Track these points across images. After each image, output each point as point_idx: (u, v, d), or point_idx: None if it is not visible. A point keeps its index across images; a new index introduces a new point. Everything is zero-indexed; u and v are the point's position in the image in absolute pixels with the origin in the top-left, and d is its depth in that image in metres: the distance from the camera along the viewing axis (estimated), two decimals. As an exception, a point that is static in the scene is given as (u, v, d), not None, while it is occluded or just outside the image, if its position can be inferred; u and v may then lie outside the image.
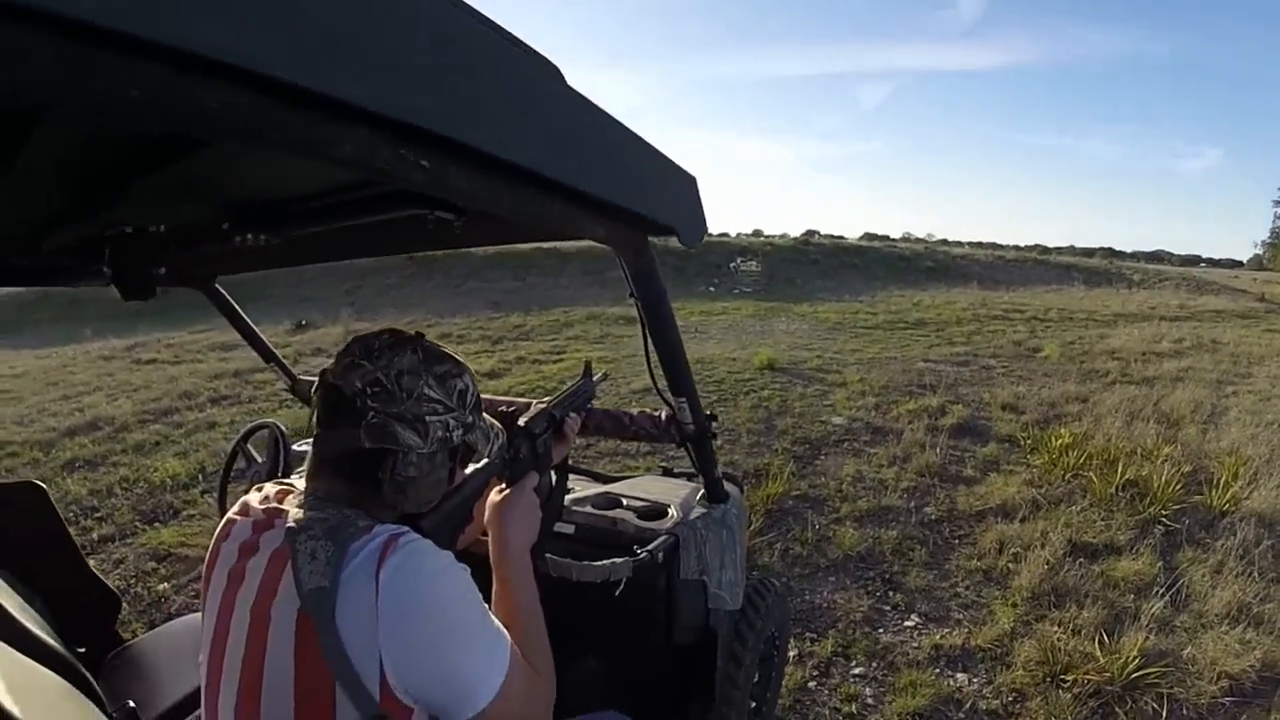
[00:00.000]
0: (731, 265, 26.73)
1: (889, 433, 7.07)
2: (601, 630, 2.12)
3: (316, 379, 1.32)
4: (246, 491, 1.42)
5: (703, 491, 2.44)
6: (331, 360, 1.33)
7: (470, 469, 1.49)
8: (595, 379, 2.02)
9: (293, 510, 1.21)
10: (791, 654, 3.63)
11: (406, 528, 1.18)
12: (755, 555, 4.61)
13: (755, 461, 6.16)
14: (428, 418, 1.27)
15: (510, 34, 0.86)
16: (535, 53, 0.93)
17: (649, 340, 1.85)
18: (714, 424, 2.24)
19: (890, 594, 4.30)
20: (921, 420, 7.34)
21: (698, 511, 2.34)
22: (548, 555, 1.88)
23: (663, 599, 2.14)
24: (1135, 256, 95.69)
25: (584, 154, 1.09)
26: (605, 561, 1.99)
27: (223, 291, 2.68)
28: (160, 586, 4.44)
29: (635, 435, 2.40)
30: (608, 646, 2.19)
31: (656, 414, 2.34)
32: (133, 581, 4.49)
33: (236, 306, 2.78)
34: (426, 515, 1.34)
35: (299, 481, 1.33)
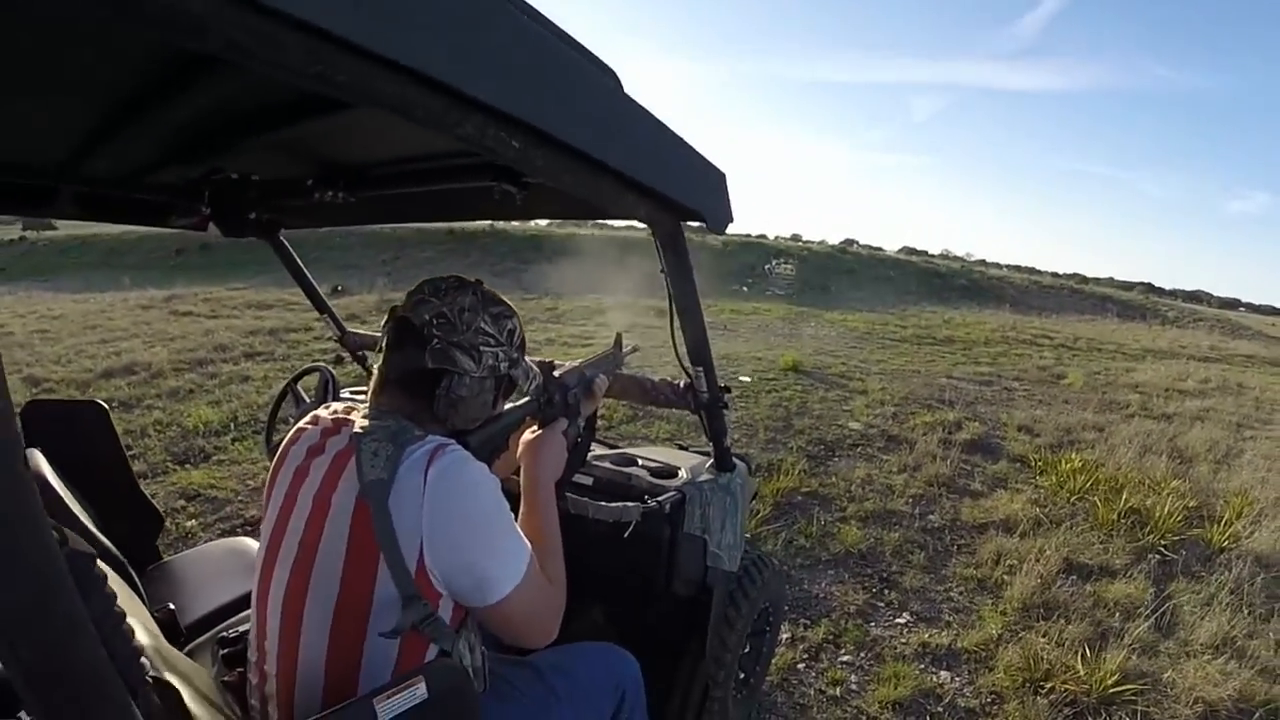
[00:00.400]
0: (766, 267, 26.92)
1: (903, 442, 7.22)
2: (610, 571, 2.35)
3: (364, 332, 1.57)
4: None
5: (712, 461, 2.65)
6: (364, 326, 1.59)
7: (509, 405, 1.73)
8: (625, 351, 2.29)
9: (358, 419, 1.47)
10: (784, 636, 3.80)
11: (453, 440, 1.42)
12: (760, 543, 4.78)
13: (770, 457, 6.34)
14: (481, 348, 1.53)
15: (582, 46, 1.16)
16: (600, 61, 1.23)
17: (674, 313, 2.07)
18: (727, 395, 2.44)
19: (885, 591, 4.46)
20: (936, 433, 7.49)
21: (705, 476, 2.56)
22: (568, 495, 2.18)
23: (666, 548, 2.36)
24: (1174, 294, 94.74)
25: (631, 145, 1.36)
26: (617, 504, 2.27)
27: (286, 244, 2.88)
28: (189, 524, 4.67)
29: (656, 400, 2.61)
30: (614, 587, 2.40)
31: (676, 382, 2.52)
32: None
33: (297, 258, 2.98)
34: (473, 433, 1.58)
35: (360, 404, 1.56)
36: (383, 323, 1.58)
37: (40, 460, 2.13)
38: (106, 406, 2.79)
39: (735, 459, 2.72)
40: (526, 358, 1.69)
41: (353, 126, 1.53)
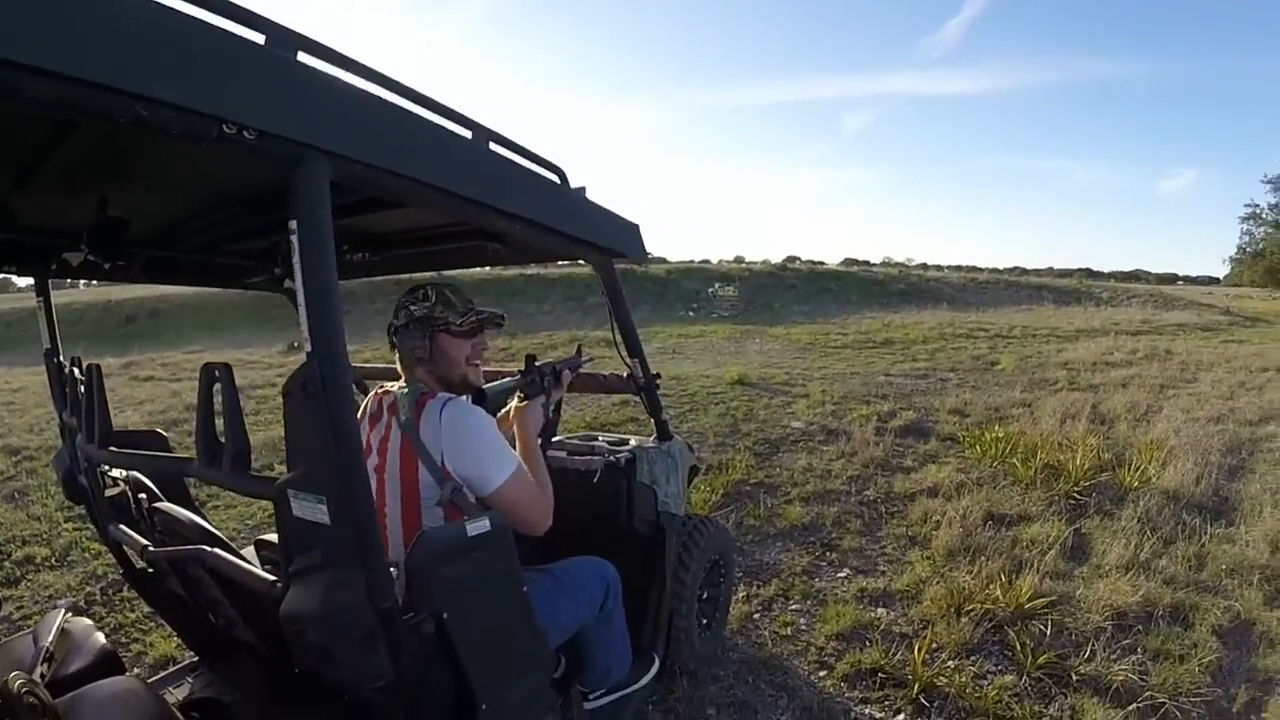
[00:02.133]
0: (710, 291, 27.38)
1: (841, 434, 7.72)
2: (584, 517, 2.99)
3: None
4: None
5: (654, 436, 3.39)
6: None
7: (505, 380, 2.58)
8: (584, 358, 3.03)
9: (395, 390, 2.28)
10: (739, 595, 4.30)
11: (453, 394, 2.24)
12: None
13: (719, 458, 6.81)
14: (399, 311, 2.34)
15: (539, 156, 2.26)
16: (551, 164, 2.33)
17: (614, 321, 3.09)
18: (658, 379, 3.37)
19: (827, 554, 4.97)
20: (872, 423, 8.01)
21: (650, 445, 3.33)
22: (549, 454, 3.01)
23: (625, 494, 3.11)
24: (1112, 276, 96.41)
25: (572, 215, 2.48)
26: (584, 458, 3.16)
27: None
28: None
29: (606, 388, 3.53)
30: (589, 529, 3.01)
31: (620, 375, 3.38)
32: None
33: None
34: (486, 393, 2.40)
35: (391, 386, 2.38)
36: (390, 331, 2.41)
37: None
38: (163, 433, 3.14)
39: (679, 439, 3.48)
40: (452, 304, 2.36)
41: (389, 215, 2.45)
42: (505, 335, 16.26)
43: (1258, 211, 52.39)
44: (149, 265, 2.86)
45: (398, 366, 2.39)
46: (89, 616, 4.05)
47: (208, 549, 2.12)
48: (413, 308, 2.30)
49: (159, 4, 1.17)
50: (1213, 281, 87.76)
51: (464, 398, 2.26)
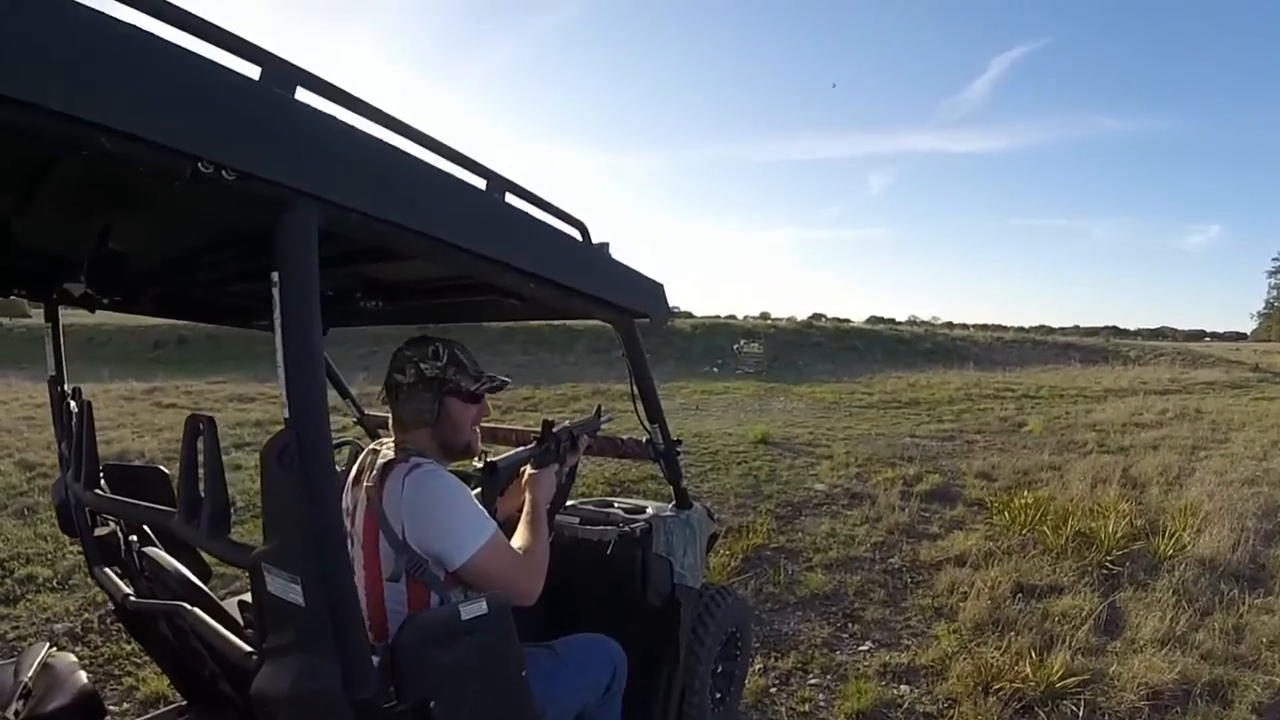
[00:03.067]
0: (735, 347, 27.32)
1: (866, 497, 7.61)
2: (596, 588, 2.96)
3: (378, 414, 2.43)
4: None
5: (674, 503, 3.27)
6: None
7: (516, 450, 2.49)
8: (603, 419, 2.94)
9: (383, 451, 2.17)
10: (756, 667, 4.16)
11: (430, 459, 2.09)
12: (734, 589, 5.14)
13: (740, 520, 6.70)
14: (406, 366, 2.16)
15: (562, 211, 2.15)
16: (573, 218, 2.21)
17: (634, 384, 2.89)
18: (679, 446, 3.19)
19: (849, 625, 4.83)
20: (897, 486, 7.88)
21: (668, 512, 3.18)
22: (561, 520, 2.91)
23: (639, 565, 2.95)
24: (1139, 334, 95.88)
25: (592, 274, 2.30)
26: (598, 528, 3.04)
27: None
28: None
29: (625, 454, 3.33)
30: (601, 601, 2.96)
31: (639, 440, 3.21)
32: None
33: (326, 355, 3.53)
34: (498, 463, 2.36)
35: (380, 447, 2.26)
36: (381, 397, 2.27)
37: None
38: (165, 470, 3.06)
39: (699, 504, 3.37)
40: (464, 368, 2.25)
41: (401, 266, 2.33)
42: (529, 385, 16.29)
43: (1285, 266, 52.28)
44: (151, 300, 2.81)
45: (390, 424, 2.26)
46: (84, 644, 4.11)
47: (187, 606, 2.06)
48: (423, 365, 2.14)
49: (131, 30, 1.10)
50: (1240, 337, 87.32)
51: (431, 463, 2.07)
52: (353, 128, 1.45)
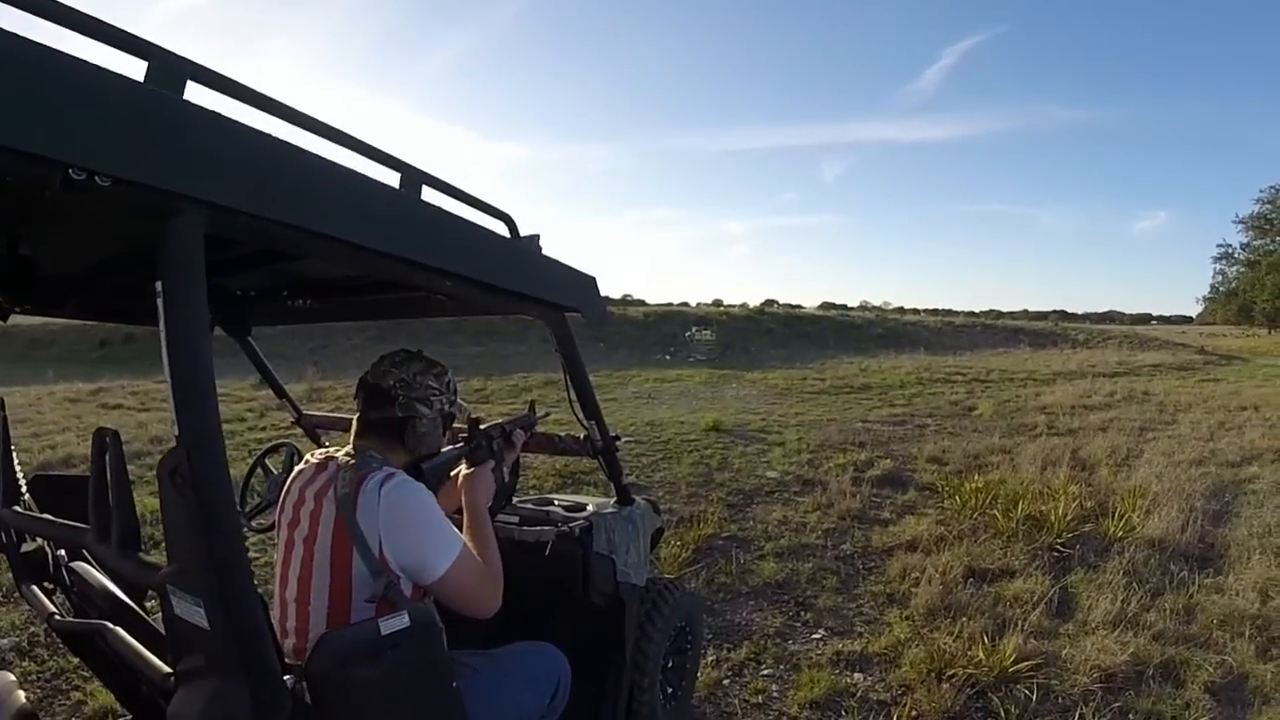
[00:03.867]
0: (687, 335, 27.37)
1: (818, 484, 7.56)
2: (537, 589, 2.82)
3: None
4: (261, 504, 2.95)
5: (615, 499, 3.18)
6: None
7: (448, 448, 2.35)
8: (538, 415, 2.92)
9: (342, 456, 2.07)
10: (709, 659, 4.08)
11: (402, 470, 2.02)
12: (683, 581, 5.05)
13: (692, 509, 6.61)
14: (431, 398, 2.18)
15: (483, 202, 2.09)
16: (498, 211, 2.16)
17: (569, 380, 2.79)
18: (617, 442, 3.06)
19: (802, 613, 4.76)
20: (848, 472, 7.83)
21: (609, 509, 3.10)
22: (497, 522, 2.70)
23: (580, 564, 2.86)
24: (1086, 318, 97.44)
25: (521, 270, 2.21)
26: (536, 528, 2.91)
27: (252, 342, 3.34)
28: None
29: (563, 450, 3.29)
30: (543, 602, 2.86)
31: (577, 436, 3.11)
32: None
33: (260, 354, 3.43)
34: (427, 462, 2.21)
35: (336, 450, 2.16)
36: (356, 389, 2.22)
37: None
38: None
39: (642, 500, 3.29)
40: (459, 399, 2.33)
41: (321, 264, 2.18)
42: (480, 376, 16.13)
43: (1230, 251, 53.53)
44: (67, 305, 2.68)
45: (355, 426, 2.19)
46: (31, 659, 4.00)
47: (110, 626, 1.98)
48: (443, 400, 2.22)
49: None
50: (1185, 321, 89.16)
51: (402, 473, 2.01)
52: (239, 124, 1.32)
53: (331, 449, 2.22)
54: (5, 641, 4.17)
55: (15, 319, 2.65)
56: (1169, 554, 5.59)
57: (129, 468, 1.56)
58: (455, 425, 2.43)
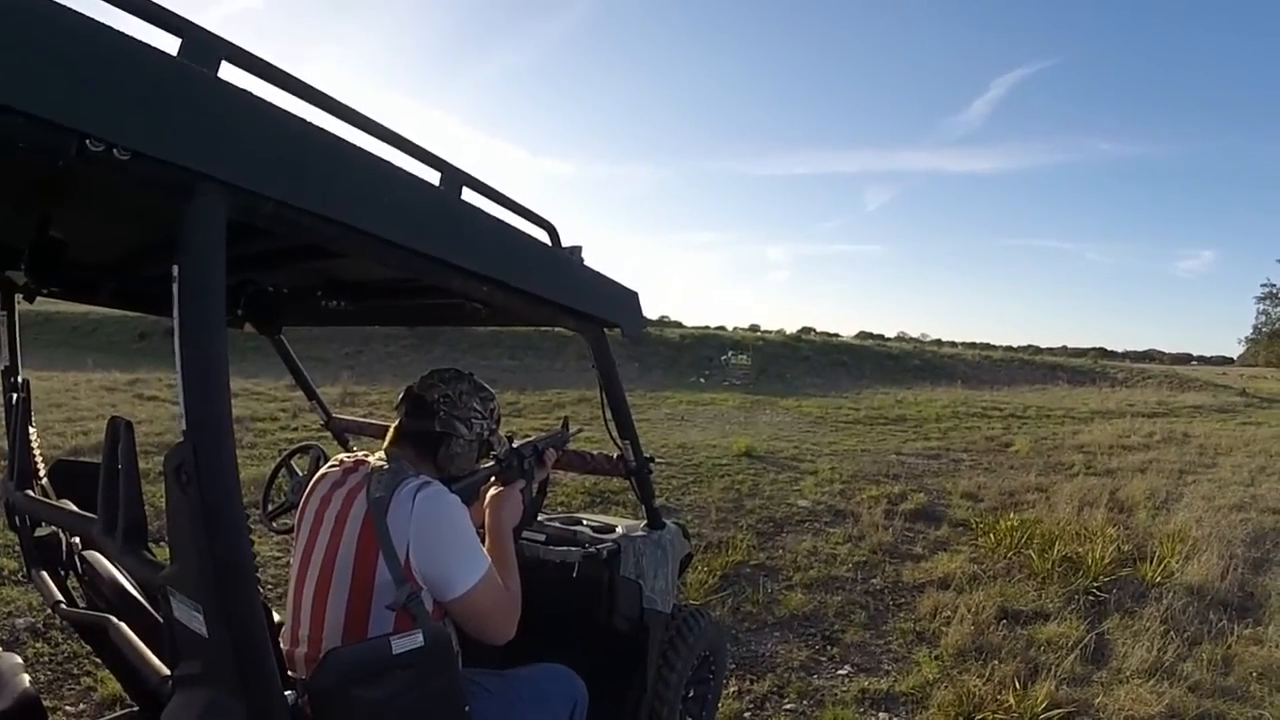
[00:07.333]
0: (723, 359, 27.29)
1: (849, 515, 7.48)
2: (560, 610, 2.77)
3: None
4: (284, 505, 2.94)
5: (646, 523, 3.12)
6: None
7: (479, 472, 2.27)
8: (571, 431, 2.80)
9: (374, 461, 2.04)
10: (731, 690, 4.02)
11: (438, 480, 1.98)
12: (708, 609, 4.99)
13: (720, 535, 6.55)
14: (472, 420, 2.15)
15: (525, 209, 2.03)
16: (540, 219, 2.11)
17: (605, 397, 2.73)
18: (651, 464, 3.01)
19: (828, 647, 4.69)
20: (881, 505, 7.74)
21: (638, 533, 3.03)
22: (523, 541, 2.75)
23: (606, 588, 2.80)
24: (1126, 356, 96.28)
25: (561, 281, 2.16)
26: (562, 548, 2.86)
27: (284, 341, 3.34)
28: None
29: (595, 470, 3.19)
30: (565, 624, 2.78)
31: (610, 456, 3.04)
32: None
33: (292, 353, 3.42)
34: (459, 480, 2.13)
35: (368, 455, 2.13)
36: (399, 397, 2.20)
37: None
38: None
39: (673, 524, 3.23)
40: (500, 431, 2.29)
41: (359, 264, 2.20)
42: (514, 390, 16.14)
43: (1275, 291, 52.63)
44: (94, 291, 2.63)
45: (390, 434, 2.15)
46: (45, 640, 4.01)
47: (113, 620, 1.98)
48: (475, 417, 2.17)
49: None
50: (1226, 361, 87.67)
51: (438, 484, 1.96)
52: (269, 105, 1.25)
53: (361, 453, 2.19)
54: (21, 621, 4.20)
55: (58, 306, 2.65)
56: (1208, 602, 5.45)
57: (159, 458, 1.54)
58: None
